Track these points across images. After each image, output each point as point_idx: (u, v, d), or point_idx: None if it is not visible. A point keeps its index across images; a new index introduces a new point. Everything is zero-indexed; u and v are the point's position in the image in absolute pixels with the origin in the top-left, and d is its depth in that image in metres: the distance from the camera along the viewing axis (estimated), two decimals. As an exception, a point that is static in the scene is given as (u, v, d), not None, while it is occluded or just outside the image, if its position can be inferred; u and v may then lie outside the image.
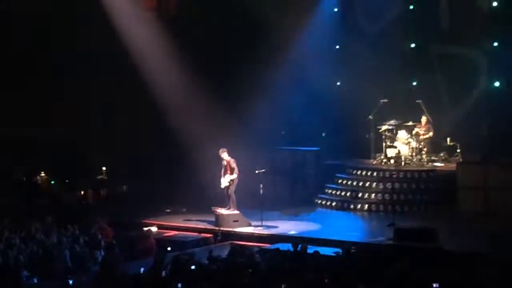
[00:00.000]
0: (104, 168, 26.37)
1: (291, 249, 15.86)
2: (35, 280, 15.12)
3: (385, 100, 23.46)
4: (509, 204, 19.74)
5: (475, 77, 23.57)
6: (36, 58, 24.64)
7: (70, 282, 13.50)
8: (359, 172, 23.01)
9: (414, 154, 23.08)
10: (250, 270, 13.26)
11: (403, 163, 22.79)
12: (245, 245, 18.24)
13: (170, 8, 25.82)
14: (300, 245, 15.77)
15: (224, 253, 16.14)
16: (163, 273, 13.92)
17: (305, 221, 20.81)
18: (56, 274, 16.00)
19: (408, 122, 23.30)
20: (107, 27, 23.66)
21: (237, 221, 20.08)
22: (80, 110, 25.29)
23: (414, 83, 24.42)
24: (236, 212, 20.28)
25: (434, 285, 11.78)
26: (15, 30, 24.55)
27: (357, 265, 13.67)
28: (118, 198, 25.08)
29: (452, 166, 22.07)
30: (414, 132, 23.12)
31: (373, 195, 22.03)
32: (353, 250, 15.41)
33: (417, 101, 23.19)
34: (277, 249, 16.54)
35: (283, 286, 12.14)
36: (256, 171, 20.40)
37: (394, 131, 23.39)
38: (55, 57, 24.67)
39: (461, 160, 22.31)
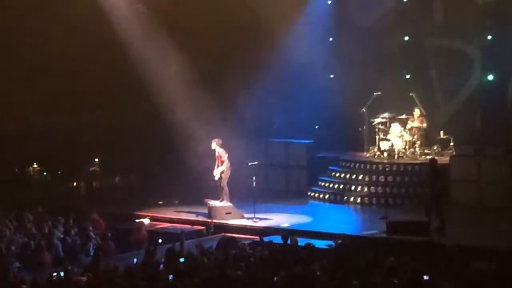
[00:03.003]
0: (96, 160, 26.33)
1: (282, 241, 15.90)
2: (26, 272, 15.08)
3: (379, 93, 23.43)
4: (502, 197, 19.78)
5: (468, 71, 23.57)
6: (31, 51, 24.58)
7: (62, 274, 13.46)
8: (352, 165, 23.00)
9: (407, 147, 23.07)
10: (242, 264, 13.24)
11: (396, 156, 22.77)
12: (233, 236, 18.34)
13: (163, 1, 25.71)
14: (290, 238, 15.79)
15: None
16: (155, 265, 13.93)
17: (298, 213, 20.80)
18: (47, 265, 15.99)
19: (402, 115, 23.28)
20: (100, 19, 23.55)
21: (229, 213, 20.07)
22: (73, 103, 25.21)
23: (408, 76, 24.39)
24: (229, 204, 20.27)
25: (425, 277, 11.80)
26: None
27: (349, 258, 13.65)
28: (111, 190, 25.03)
29: (445, 159, 22.07)
30: (408, 127, 23.07)
31: (366, 188, 22.02)
32: (339, 242, 15.43)
33: (411, 94, 23.16)
34: (270, 241, 16.56)
35: (275, 278, 12.14)
36: (249, 164, 20.38)
37: (388, 124, 23.37)
38: (51, 53, 24.60)
39: (454, 153, 22.32)
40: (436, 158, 20.30)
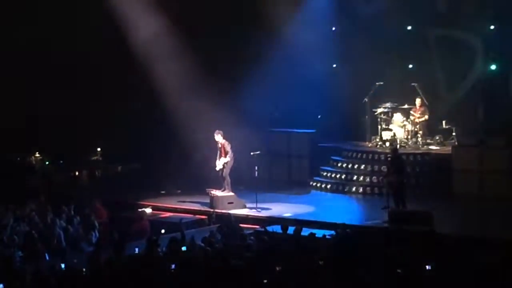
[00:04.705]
0: (98, 149, 26.31)
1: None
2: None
3: (381, 83, 23.41)
4: (503, 188, 19.78)
5: (471, 60, 23.52)
6: (33, 38, 24.57)
7: (62, 266, 13.41)
8: (354, 155, 23.00)
9: (409, 137, 23.06)
10: (245, 254, 13.26)
11: (398, 146, 22.74)
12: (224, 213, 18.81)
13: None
14: (293, 228, 15.79)
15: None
16: (158, 254, 13.93)
17: (300, 203, 20.82)
18: (50, 254, 16.00)
19: (404, 105, 23.26)
20: (103, 7, 23.51)
21: (232, 203, 20.09)
22: (76, 92, 25.17)
23: (410, 66, 24.35)
24: (231, 194, 20.28)
25: (427, 266, 11.81)
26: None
27: (352, 248, 13.67)
28: (113, 179, 25.03)
29: (447, 149, 22.09)
30: (412, 118, 23.06)
31: (368, 177, 22.03)
32: (340, 232, 15.47)
33: (413, 84, 23.14)
34: (273, 231, 16.56)
35: (277, 268, 12.14)
36: (251, 153, 20.37)
37: (390, 114, 23.36)
38: (51, 41, 24.59)
39: (456, 143, 22.31)
40: (397, 147, 21.09)
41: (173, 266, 12.75)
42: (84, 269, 12.81)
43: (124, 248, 14.42)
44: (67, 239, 17.07)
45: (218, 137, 20.25)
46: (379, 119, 23.41)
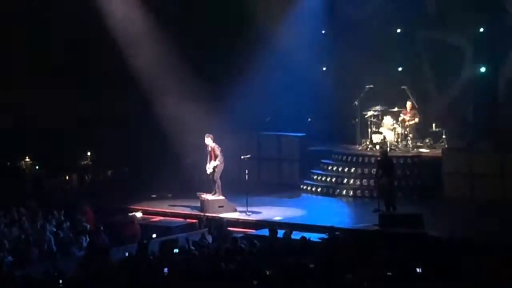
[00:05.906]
0: (89, 154, 26.26)
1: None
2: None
3: (371, 86, 23.45)
4: (494, 190, 19.82)
5: (460, 63, 23.58)
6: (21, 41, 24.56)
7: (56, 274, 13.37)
8: (344, 158, 23.02)
9: (399, 140, 23.11)
10: (235, 257, 13.26)
11: (388, 149, 22.78)
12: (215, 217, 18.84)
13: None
14: (283, 231, 15.80)
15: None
16: (150, 258, 13.92)
17: (291, 206, 20.81)
18: (40, 259, 15.97)
19: (394, 108, 23.31)
20: (87, 10, 23.45)
21: (222, 206, 20.07)
22: (65, 97, 25.10)
23: (400, 69, 24.40)
24: (222, 197, 20.27)
25: (417, 269, 11.83)
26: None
27: (342, 251, 13.68)
28: (103, 184, 24.97)
29: (438, 152, 22.14)
30: (400, 119, 23.13)
31: (358, 181, 22.04)
32: (331, 235, 15.48)
33: (403, 87, 23.19)
34: (262, 235, 16.58)
35: (267, 272, 12.14)
36: (242, 157, 20.38)
37: (380, 117, 23.40)
38: (40, 44, 24.56)
39: (446, 146, 22.37)
40: (387, 150, 21.15)
41: (166, 270, 12.73)
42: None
43: (109, 253, 14.42)
44: (57, 244, 17.03)
45: (208, 141, 20.27)
46: (369, 122, 23.45)
